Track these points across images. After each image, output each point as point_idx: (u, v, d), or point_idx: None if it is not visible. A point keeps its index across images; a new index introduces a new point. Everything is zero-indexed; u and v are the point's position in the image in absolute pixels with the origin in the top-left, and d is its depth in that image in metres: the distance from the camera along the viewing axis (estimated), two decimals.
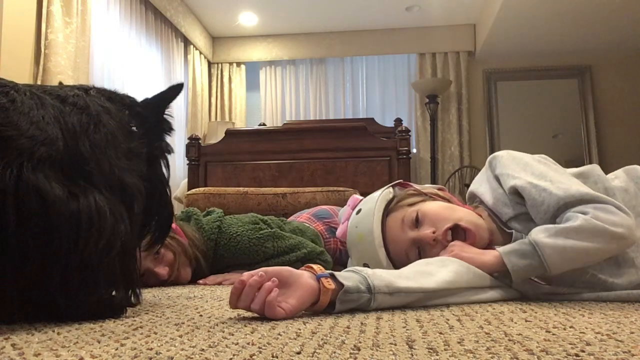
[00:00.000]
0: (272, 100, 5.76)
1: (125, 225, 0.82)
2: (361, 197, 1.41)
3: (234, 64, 5.80)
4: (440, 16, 5.22)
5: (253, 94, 5.87)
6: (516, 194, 1.07)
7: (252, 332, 0.67)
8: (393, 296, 0.86)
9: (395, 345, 0.59)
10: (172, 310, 0.90)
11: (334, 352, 0.55)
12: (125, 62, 4.00)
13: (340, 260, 1.84)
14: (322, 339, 0.62)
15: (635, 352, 0.55)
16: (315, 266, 0.86)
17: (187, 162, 2.87)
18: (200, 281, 1.58)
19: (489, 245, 1.11)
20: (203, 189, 2.52)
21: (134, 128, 0.97)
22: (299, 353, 0.55)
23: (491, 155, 1.17)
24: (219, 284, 1.54)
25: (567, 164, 1.23)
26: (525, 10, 4.33)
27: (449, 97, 5.37)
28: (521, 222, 1.08)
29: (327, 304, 0.82)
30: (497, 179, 1.14)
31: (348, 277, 0.84)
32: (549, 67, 5.38)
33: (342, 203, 2.20)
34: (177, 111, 4.70)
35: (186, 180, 3.03)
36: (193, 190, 2.51)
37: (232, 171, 2.79)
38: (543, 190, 1.02)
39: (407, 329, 0.68)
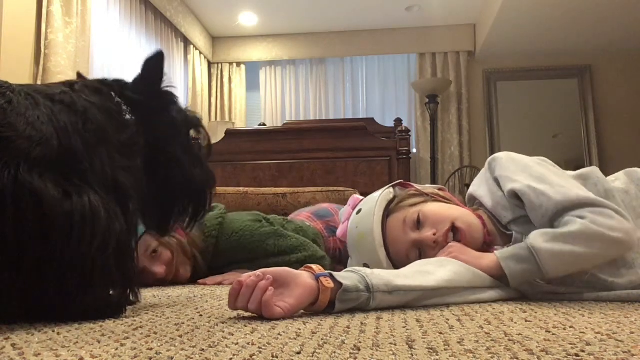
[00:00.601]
0: (272, 100, 5.76)
1: (120, 223, 0.81)
2: (361, 197, 1.41)
3: (234, 64, 5.80)
4: (440, 16, 5.22)
5: (253, 94, 5.87)
6: (515, 197, 1.07)
7: (252, 332, 0.67)
8: (392, 295, 0.86)
9: (395, 345, 0.59)
10: (172, 310, 0.90)
11: (334, 352, 0.55)
12: (125, 62, 4.00)
13: (339, 260, 1.84)
14: (322, 339, 0.62)
15: (635, 352, 0.55)
16: (314, 266, 0.86)
17: None
18: (200, 281, 1.58)
19: (489, 247, 1.11)
20: None
21: (128, 116, 0.95)
22: (299, 353, 0.55)
23: (490, 157, 1.17)
24: (219, 284, 1.54)
25: (567, 163, 1.23)
26: (525, 10, 4.33)
27: (449, 97, 5.37)
28: (520, 224, 1.08)
29: (327, 304, 0.82)
30: (496, 181, 1.14)
31: (347, 276, 0.85)
32: (549, 67, 5.38)
33: (342, 203, 2.20)
34: None
35: None
36: None
37: (232, 171, 2.79)
38: (542, 194, 1.01)
39: (407, 329, 0.68)
